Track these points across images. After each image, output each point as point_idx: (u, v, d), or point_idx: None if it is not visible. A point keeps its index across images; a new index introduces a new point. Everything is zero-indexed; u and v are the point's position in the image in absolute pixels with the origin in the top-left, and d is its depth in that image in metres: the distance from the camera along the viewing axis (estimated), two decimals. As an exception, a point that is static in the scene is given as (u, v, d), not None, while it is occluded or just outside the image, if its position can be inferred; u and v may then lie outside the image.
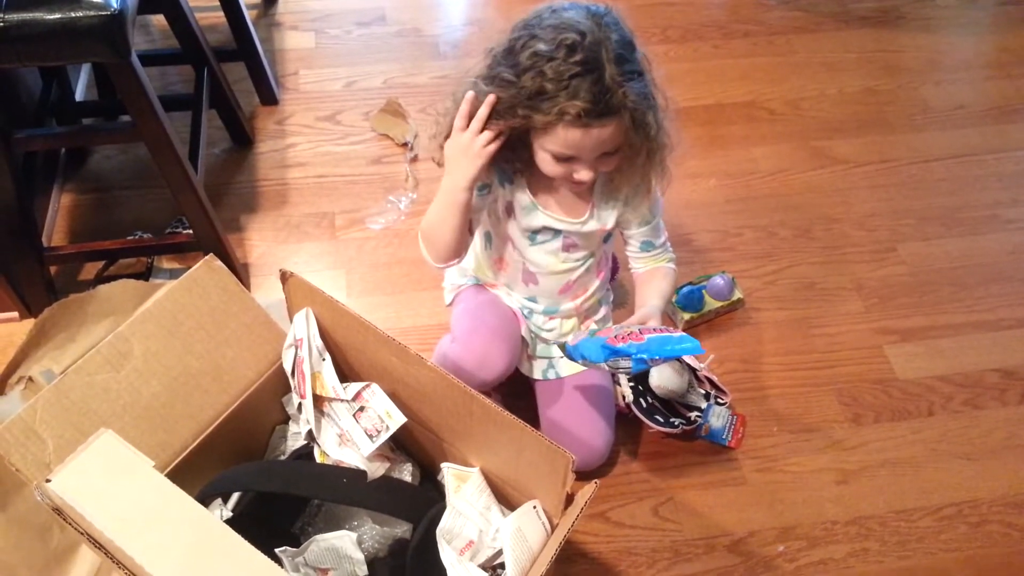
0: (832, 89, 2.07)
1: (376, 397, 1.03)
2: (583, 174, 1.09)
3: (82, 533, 0.75)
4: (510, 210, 1.22)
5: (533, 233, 1.22)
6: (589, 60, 0.99)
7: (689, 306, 1.54)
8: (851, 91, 2.07)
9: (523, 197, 1.19)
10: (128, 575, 0.71)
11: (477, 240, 1.32)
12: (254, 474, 1.02)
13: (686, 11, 2.25)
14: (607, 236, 1.27)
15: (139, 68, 1.22)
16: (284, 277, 1.05)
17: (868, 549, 1.31)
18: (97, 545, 0.74)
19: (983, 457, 1.42)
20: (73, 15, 1.10)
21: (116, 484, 0.73)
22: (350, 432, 1.02)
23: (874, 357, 1.56)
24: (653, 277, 1.28)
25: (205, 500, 0.98)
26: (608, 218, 1.21)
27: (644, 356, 1.03)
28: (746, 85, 2.06)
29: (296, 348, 1.05)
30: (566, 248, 1.24)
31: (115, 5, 1.11)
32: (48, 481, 0.73)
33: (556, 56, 0.99)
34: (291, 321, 1.09)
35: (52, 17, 1.10)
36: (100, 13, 1.10)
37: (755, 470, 1.39)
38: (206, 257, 1.03)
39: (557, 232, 1.22)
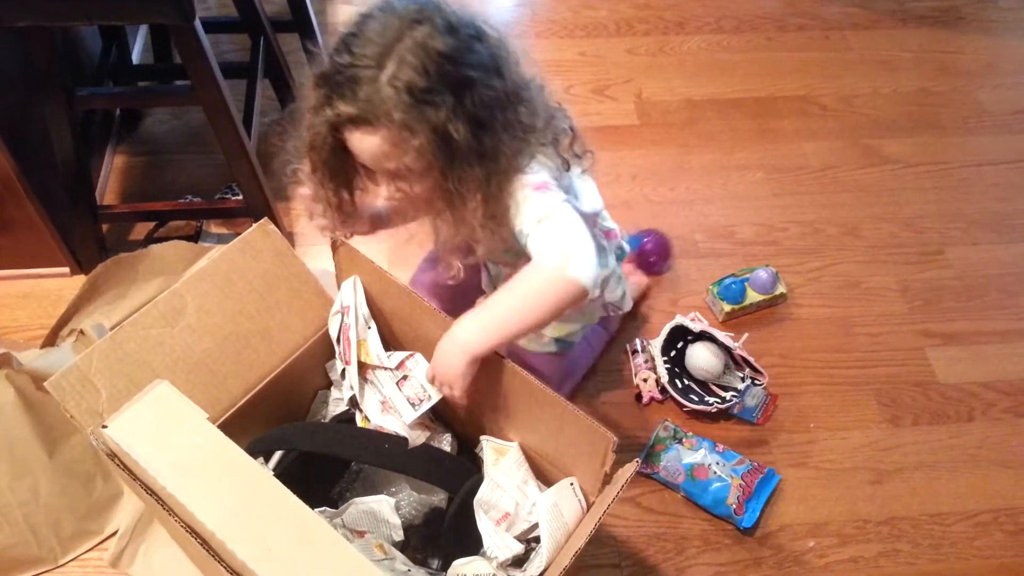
0: (886, 88, 2.04)
1: (420, 367, 1.04)
2: (381, 189, 0.97)
3: (135, 479, 0.77)
4: None
5: None
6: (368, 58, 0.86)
7: (730, 298, 1.53)
8: (906, 91, 2.04)
9: None
10: (178, 522, 0.73)
11: None
12: (298, 433, 1.04)
13: (741, 2, 2.22)
14: None
15: (201, 32, 1.24)
16: (335, 245, 1.07)
17: (900, 550, 1.30)
18: (148, 491, 0.76)
19: (1023, 466, 1.40)
20: (141, -24, 1.12)
21: (170, 433, 0.74)
22: (392, 400, 1.04)
23: (915, 359, 1.54)
24: None
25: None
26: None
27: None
28: (799, 79, 2.03)
29: (343, 315, 1.06)
30: None
31: (182, -32, 1.13)
32: (104, 427, 0.75)
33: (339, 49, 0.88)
34: (339, 289, 1.10)
35: (121, -23, 1.12)
36: (167, -25, 1.12)
37: (789, 465, 1.38)
38: (260, 221, 1.04)
39: None
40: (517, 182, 0.95)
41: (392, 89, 0.85)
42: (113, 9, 1.17)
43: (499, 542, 0.95)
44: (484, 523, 0.97)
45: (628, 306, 1.33)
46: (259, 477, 0.72)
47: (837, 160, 1.87)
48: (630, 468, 0.90)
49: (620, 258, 1.28)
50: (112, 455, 0.77)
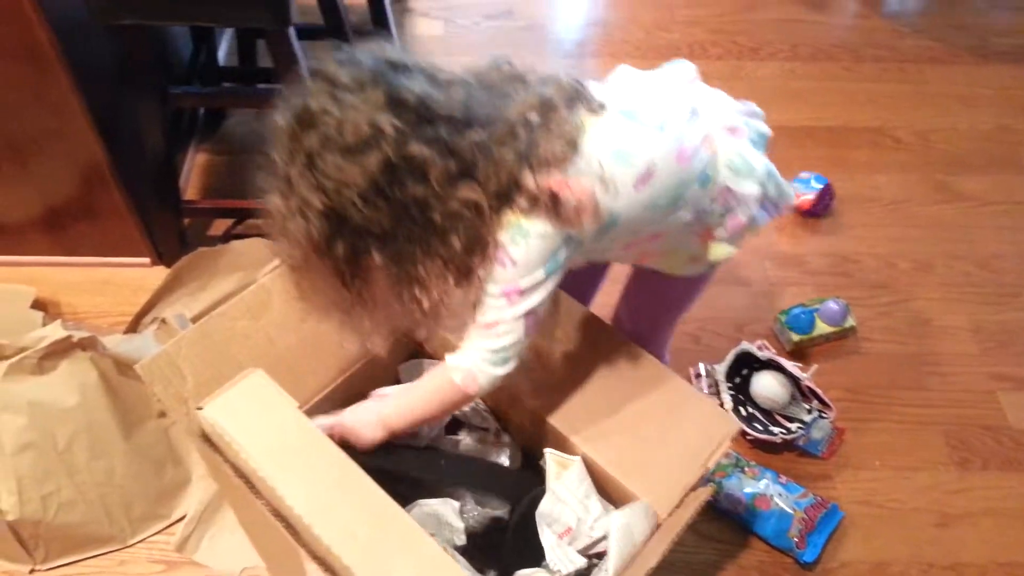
0: (963, 123, 2.01)
1: None
2: None
3: (225, 461, 0.79)
4: None
5: None
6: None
7: (799, 328, 1.51)
8: (984, 127, 2.00)
9: None
10: (265, 505, 0.75)
11: None
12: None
13: (817, 30, 2.21)
14: None
15: (295, 38, 1.28)
16: None
17: (966, 597, 1.27)
18: (238, 473, 0.78)
19: (1099, 520, 1.36)
20: (244, -18, 1.16)
21: (262, 419, 0.77)
22: None
23: (987, 402, 1.50)
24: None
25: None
26: None
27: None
28: (874, 111, 2.01)
29: None
30: None
31: (284, -25, 1.17)
32: (200, 409, 0.78)
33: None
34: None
35: (225, -18, 1.16)
36: (270, -18, 1.16)
37: (853, 501, 1.35)
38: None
39: None
40: (484, 278, 0.84)
41: (302, 219, 0.79)
42: (213, 11, 1.22)
43: (562, 555, 0.95)
44: (547, 536, 0.97)
45: (791, 197, 1.04)
46: (345, 467, 0.74)
47: (910, 194, 1.84)
48: (704, 492, 0.90)
49: (761, 144, 0.99)
50: (204, 436, 0.80)
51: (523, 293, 0.83)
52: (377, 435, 0.93)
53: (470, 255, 0.81)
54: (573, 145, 0.82)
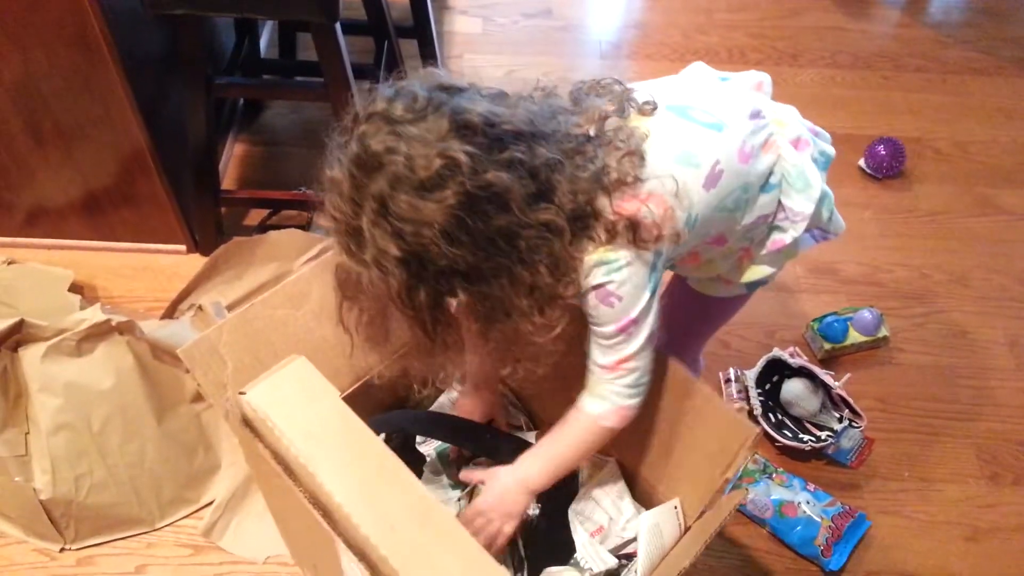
0: (1005, 136, 1.98)
1: None
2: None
3: (265, 447, 0.80)
4: None
5: None
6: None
7: (832, 336, 1.50)
8: (1026, 140, 1.98)
9: None
10: (303, 493, 0.76)
11: None
12: (406, 418, 1.07)
13: (858, 38, 2.19)
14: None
15: (340, 33, 1.29)
16: None
17: (994, 614, 1.26)
18: (277, 459, 0.79)
19: None
20: (292, -25, 1.18)
21: (304, 406, 0.77)
22: None
23: (1020, 417, 1.48)
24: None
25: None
26: None
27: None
28: (914, 121, 1.99)
29: None
30: None
31: (331, -31, 1.18)
32: (242, 393, 0.79)
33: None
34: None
35: (274, -25, 1.18)
36: (317, -25, 1.17)
37: (880, 511, 1.34)
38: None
39: None
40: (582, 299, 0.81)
41: (378, 271, 0.75)
42: (262, 4, 1.23)
43: (593, 554, 0.96)
44: (579, 534, 0.97)
45: (841, 226, 1.02)
46: (385, 458, 0.74)
47: (948, 206, 1.82)
48: (735, 497, 0.89)
49: (823, 164, 0.97)
50: (244, 421, 0.81)
51: (637, 321, 0.81)
52: (524, 503, 0.91)
53: (557, 282, 0.77)
54: (640, 157, 0.79)
